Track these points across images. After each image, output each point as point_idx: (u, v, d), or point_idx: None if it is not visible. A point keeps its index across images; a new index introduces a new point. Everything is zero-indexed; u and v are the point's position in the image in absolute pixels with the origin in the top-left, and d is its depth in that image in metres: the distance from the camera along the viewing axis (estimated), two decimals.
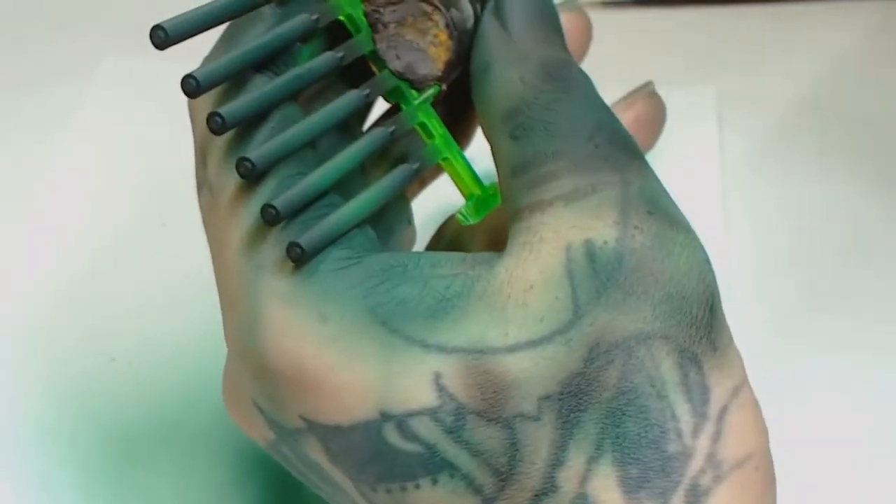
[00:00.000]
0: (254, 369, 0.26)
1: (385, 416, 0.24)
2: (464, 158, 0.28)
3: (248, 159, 0.25)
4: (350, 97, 0.27)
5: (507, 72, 0.27)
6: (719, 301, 0.25)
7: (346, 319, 0.25)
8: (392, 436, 0.24)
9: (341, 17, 0.28)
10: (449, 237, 0.35)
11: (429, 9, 0.27)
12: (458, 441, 0.24)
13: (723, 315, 0.25)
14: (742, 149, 0.48)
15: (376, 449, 0.25)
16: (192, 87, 0.25)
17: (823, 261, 0.43)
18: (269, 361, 0.25)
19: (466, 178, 0.28)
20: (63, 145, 0.47)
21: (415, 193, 0.34)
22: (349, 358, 0.24)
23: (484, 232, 0.33)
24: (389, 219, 0.32)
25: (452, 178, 0.28)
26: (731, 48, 0.53)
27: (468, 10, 0.28)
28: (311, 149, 0.27)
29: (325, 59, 0.27)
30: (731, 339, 0.25)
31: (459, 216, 0.28)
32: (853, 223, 0.45)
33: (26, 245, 0.43)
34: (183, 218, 0.44)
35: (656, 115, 0.36)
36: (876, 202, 0.46)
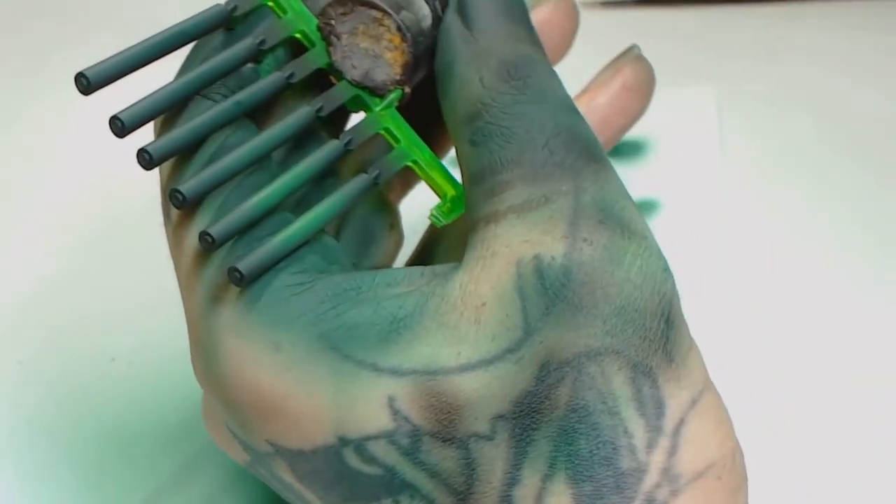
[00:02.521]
0: (219, 398, 0.26)
1: (343, 441, 0.24)
2: (435, 160, 0.28)
3: (178, 190, 0.25)
4: (299, 114, 0.27)
5: (467, 72, 0.27)
6: (678, 309, 0.25)
7: (299, 347, 0.25)
8: (352, 459, 0.25)
9: (296, 35, 0.28)
10: (426, 240, 0.34)
11: (378, 14, 0.27)
12: (416, 463, 0.24)
13: (682, 323, 0.25)
14: (742, 149, 0.48)
15: (339, 472, 0.25)
16: (118, 128, 0.25)
17: (823, 261, 0.43)
18: (230, 390, 0.25)
19: (438, 179, 0.27)
20: (63, 145, 0.47)
21: (399, 197, 0.33)
22: (304, 385, 0.25)
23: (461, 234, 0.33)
24: (369, 225, 0.31)
25: (425, 181, 0.28)
26: (731, 48, 0.53)
27: (422, 9, 0.28)
28: (260, 170, 0.26)
29: (271, 79, 0.27)
30: (690, 347, 0.25)
31: (432, 217, 0.27)
32: (853, 223, 0.45)
33: (26, 245, 0.43)
34: None
35: (645, 80, 0.35)
36: (876, 202, 0.46)
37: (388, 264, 0.32)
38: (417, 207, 0.34)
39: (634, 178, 0.45)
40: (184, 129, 0.26)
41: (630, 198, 0.26)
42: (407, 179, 0.33)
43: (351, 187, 0.27)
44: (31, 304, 0.41)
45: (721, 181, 0.46)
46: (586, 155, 0.25)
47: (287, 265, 0.25)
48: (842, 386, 0.39)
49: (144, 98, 0.26)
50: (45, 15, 0.55)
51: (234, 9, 0.27)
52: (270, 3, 0.28)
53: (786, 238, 0.44)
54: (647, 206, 0.45)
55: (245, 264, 0.25)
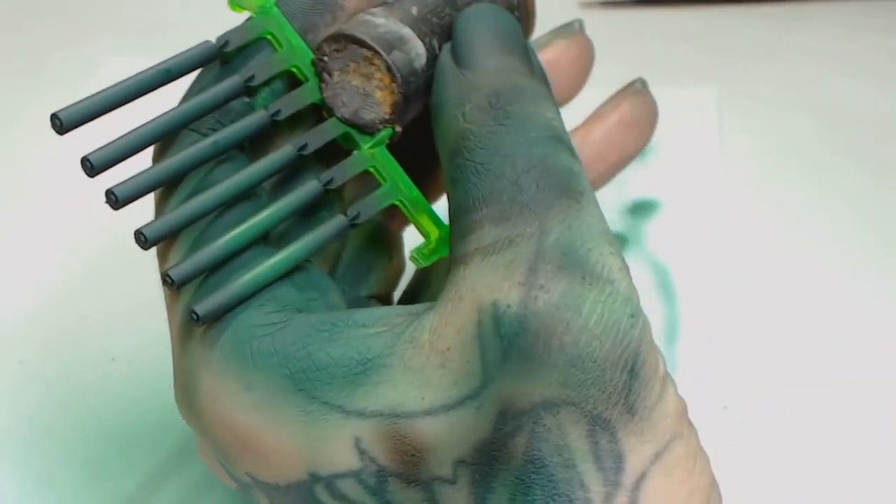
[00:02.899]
0: (198, 430, 0.27)
1: (314, 478, 0.25)
2: (420, 200, 0.27)
3: (141, 233, 0.25)
4: (281, 153, 0.27)
5: (452, 109, 0.26)
6: (645, 357, 0.23)
7: (268, 387, 0.25)
8: (323, 495, 0.25)
9: (291, 69, 0.28)
10: (417, 275, 0.34)
11: (369, 53, 0.27)
12: (383, 501, 0.24)
13: (650, 372, 0.24)
14: (742, 149, 0.48)
15: None
16: (87, 168, 0.25)
17: (823, 260, 0.43)
18: (207, 424, 0.26)
19: (422, 220, 0.27)
20: (63, 145, 0.47)
21: (401, 226, 0.33)
22: (274, 423, 0.25)
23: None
24: (367, 255, 0.31)
25: (411, 220, 0.28)
26: (731, 48, 0.53)
27: (416, 48, 0.27)
28: (247, 202, 0.27)
29: (254, 118, 0.27)
30: (659, 398, 0.24)
31: (412, 257, 0.27)
32: (853, 223, 0.45)
33: (26, 245, 0.43)
34: None
35: (645, 115, 0.34)
36: (876, 202, 0.46)
37: (388, 292, 0.32)
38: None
39: (634, 178, 0.45)
40: (153, 171, 0.26)
41: (605, 235, 0.24)
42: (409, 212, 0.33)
43: (325, 229, 0.27)
44: (32, 304, 0.41)
45: (721, 181, 0.46)
46: (557, 190, 0.25)
47: (261, 302, 0.26)
48: (842, 388, 0.39)
49: (118, 139, 0.26)
50: (45, 15, 0.55)
51: (226, 44, 0.27)
52: (268, 37, 0.28)
53: (785, 238, 0.44)
54: (647, 206, 0.45)
55: (202, 306, 0.25)
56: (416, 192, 0.27)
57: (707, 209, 0.45)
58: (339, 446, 0.24)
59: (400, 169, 0.28)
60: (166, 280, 0.25)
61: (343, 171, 0.27)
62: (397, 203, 0.27)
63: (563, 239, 0.24)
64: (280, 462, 0.25)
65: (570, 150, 0.26)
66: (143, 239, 0.25)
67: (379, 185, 0.28)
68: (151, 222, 0.26)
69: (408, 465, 0.24)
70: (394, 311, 0.25)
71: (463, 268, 0.24)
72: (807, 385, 0.39)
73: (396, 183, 0.27)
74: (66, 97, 0.48)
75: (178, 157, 0.26)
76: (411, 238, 0.30)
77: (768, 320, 0.41)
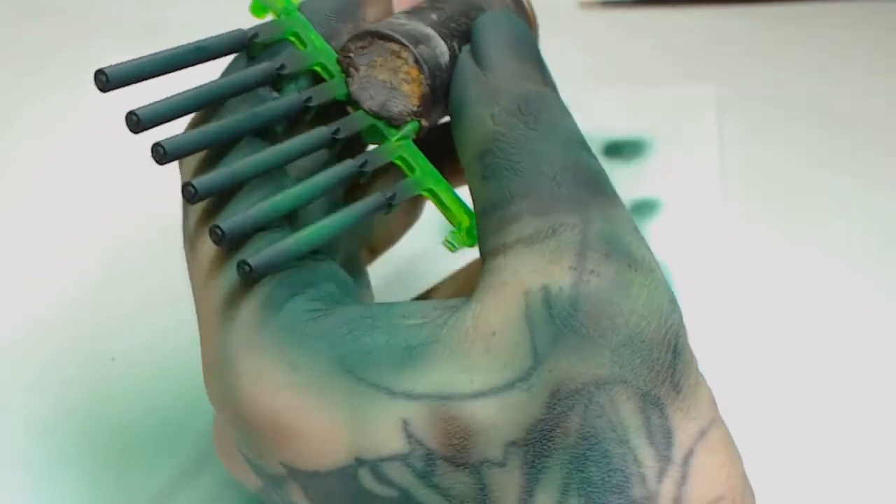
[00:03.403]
0: (233, 420, 0.26)
1: (359, 462, 0.25)
2: (450, 189, 0.28)
3: (191, 184, 0.25)
4: (315, 133, 0.27)
5: (479, 110, 0.27)
6: (685, 341, 0.25)
7: (315, 369, 0.25)
8: (367, 480, 0.25)
9: (315, 67, 0.28)
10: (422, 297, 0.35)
11: (396, 47, 0.28)
12: (430, 486, 0.24)
13: (690, 355, 0.25)
14: (742, 149, 0.48)
15: (353, 493, 0.25)
16: (132, 123, 0.26)
17: (823, 260, 0.43)
18: (245, 411, 0.26)
19: (454, 209, 0.28)
20: (63, 145, 0.47)
21: (369, 261, 0.34)
22: (319, 405, 0.25)
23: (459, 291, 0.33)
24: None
25: (440, 210, 0.28)
26: (731, 48, 0.53)
27: (440, 46, 0.28)
28: (272, 184, 0.27)
29: (289, 98, 0.27)
30: (698, 380, 0.25)
31: (445, 243, 0.28)
32: (853, 223, 0.45)
33: (26, 245, 0.43)
34: None
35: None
36: (876, 202, 0.46)
37: None
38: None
39: (634, 177, 0.45)
40: (197, 132, 0.26)
41: (638, 232, 0.26)
42: (375, 246, 0.34)
43: (366, 203, 0.27)
44: (32, 304, 0.41)
45: (721, 181, 0.46)
46: (594, 189, 0.26)
47: (305, 291, 0.26)
48: (842, 388, 0.39)
49: (164, 99, 0.26)
50: (46, 15, 0.55)
51: (255, 35, 0.28)
52: (292, 38, 0.28)
53: (785, 237, 0.44)
54: (647, 206, 0.45)
55: (256, 259, 0.25)
56: (444, 181, 0.28)
57: (707, 209, 0.45)
58: (386, 428, 0.24)
59: (427, 161, 0.28)
60: (215, 231, 0.25)
61: (375, 158, 0.28)
62: (425, 193, 0.28)
63: (606, 230, 0.25)
64: (323, 446, 0.25)
65: (594, 154, 0.27)
66: (192, 191, 0.25)
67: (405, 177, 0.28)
68: (199, 178, 0.26)
69: (456, 448, 0.24)
70: (430, 305, 0.26)
71: (503, 257, 0.25)
72: (807, 385, 0.39)
73: (425, 173, 0.28)
74: (66, 97, 0.48)
75: (220, 124, 0.26)
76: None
77: (768, 320, 0.41)
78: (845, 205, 0.46)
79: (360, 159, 0.27)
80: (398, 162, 0.28)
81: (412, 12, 0.29)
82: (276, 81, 0.28)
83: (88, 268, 0.42)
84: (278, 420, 0.25)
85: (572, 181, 0.26)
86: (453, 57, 0.28)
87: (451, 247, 0.28)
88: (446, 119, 0.29)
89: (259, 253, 0.25)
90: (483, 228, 0.26)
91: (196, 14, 0.53)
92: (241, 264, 0.25)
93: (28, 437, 0.37)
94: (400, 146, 0.28)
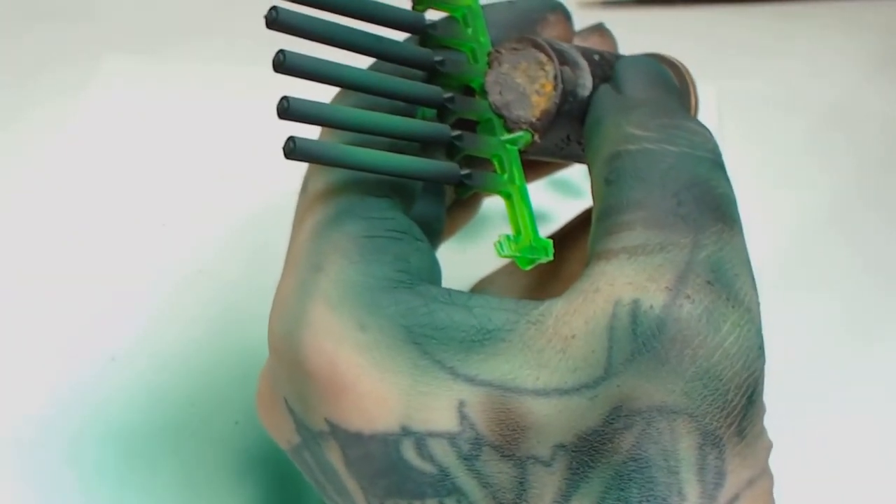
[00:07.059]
0: (289, 365, 0.26)
1: (405, 431, 0.25)
2: (529, 206, 0.28)
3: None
4: (431, 88, 0.27)
5: (614, 118, 0.27)
6: (761, 389, 0.25)
7: (383, 333, 0.25)
8: (408, 452, 0.25)
9: (467, 50, 0.29)
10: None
11: (543, 59, 0.28)
12: (471, 470, 0.24)
13: (761, 405, 0.25)
14: (742, 149, 0.48)
15: (391, 462, 0.25)
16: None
17: (823, 261, 0.43)
18: (304, 358, 0.26)
19: (523, 220, 0.28)
20: (63, 144, 0.47)
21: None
22: (380, 369, 0.25)
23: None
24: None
25: (510, 215, 0.28)
26: (731, 48, 0.53)
27: (586, 78, 0.28)
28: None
29: (420, 50, 0.28)
30: (761, 431, 0.25)
31: (497, 244, 0.27)
32: (854, 223, 0.45)
33: (26, 245, 0.43)
34: (183, 218, 0.44)
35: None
36: (876, 202, 0.46)
37: None
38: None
39: None
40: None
41: (749, 265, 0.25)
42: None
43: (438, 164, 0.27)
44: (32, 304, 0.41)
45: None
46: (715, 213, 0.26)
47: (395, 262, 0.26)
48: (842, 388, 0.39)
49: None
50: (45, 16, 0.55)
51: (433, 26, 0.28)
52: (460, 18, 0.29)
53: (785, 238, 0.44)
54: None
55: (301, 140, 0.25)
56: (527, 194, 0.28)
57: None
58: (441, 405, 0.24)
59: (522, 174, 0.28)
60: (282, 102, 0.25)
61: (474, 141, 0.28)
62: (504, 195, 0.28)
63: (715, 258, 0.25)
64: (373, 409, 0.25)
65: (729, 180, 0.27)
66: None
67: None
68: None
69: (507, 438, 0.24)
70: (511, 299, 0.26)
71: (604, 263, 0.25)
72: (807, 385, 0.39)
73: (514, 178, 0.28)
74: (67, 97, 0.48)
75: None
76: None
77: (768, 320, 0.41)
78: (846, 205, 0.46)
79: (456, 129, 0.28)
80: (493, 159, 0.28)
81: (581, 46, 0.30)
82: (432, 73, 0.28)
83: (88, 267, 0.42)
84: (336, 374, 0.25)
85: (694, 201, 0.25)
86: (592, 92, 0.29)
87: (500, 249, 0.27)
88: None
89: (311, 141, 0.25)
90: (594, 232, 0.26)
91: (197, 14, 0.53)
92: (289, 141, 0.25)
93: (27, 437, 0.37)
94: (504, 146, 0.28)
